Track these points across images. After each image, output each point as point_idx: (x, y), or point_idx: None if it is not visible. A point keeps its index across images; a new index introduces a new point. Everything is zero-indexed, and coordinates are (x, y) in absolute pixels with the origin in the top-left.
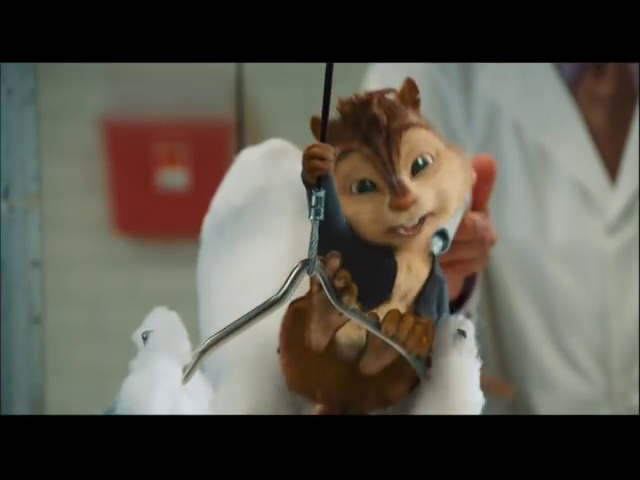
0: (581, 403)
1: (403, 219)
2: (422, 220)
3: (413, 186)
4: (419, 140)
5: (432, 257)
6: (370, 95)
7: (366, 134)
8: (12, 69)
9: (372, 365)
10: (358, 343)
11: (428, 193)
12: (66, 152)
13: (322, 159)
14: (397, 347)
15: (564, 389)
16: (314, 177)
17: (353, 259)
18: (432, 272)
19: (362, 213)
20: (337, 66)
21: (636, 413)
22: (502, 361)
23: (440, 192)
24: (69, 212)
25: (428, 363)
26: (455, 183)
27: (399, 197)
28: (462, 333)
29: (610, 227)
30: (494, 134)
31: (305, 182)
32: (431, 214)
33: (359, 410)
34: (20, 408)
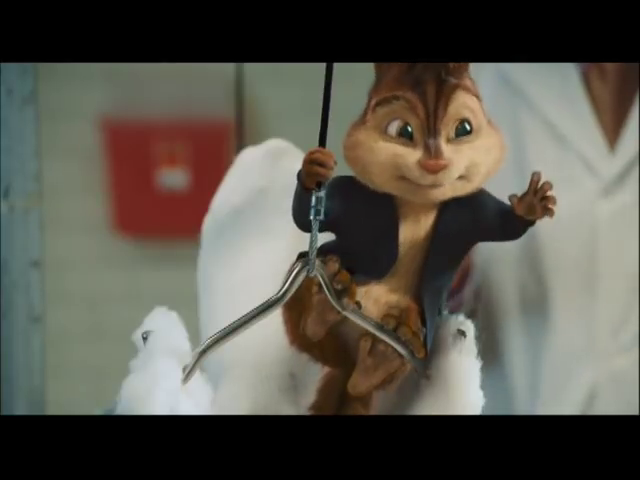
0: (564, 362)
1: (427, 180)
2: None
3: (448, 150)
4: (468, 105)
5: (435, 210)
6: None
7: (419, 78)
8: (12, 69)
9: (362, 385)
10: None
11: (460, 162)
12: (66, 152)
13: (322, 165)
14: (398, 346)
15: (549, 349)
16: (313, 182)
17: (353, 225)
18: (435, 227)
19: (386, 153)
20: (337, 66)
21: (620, 377)
22: (487, 318)
23: (472, 164)
24: (69, 212)
25: (427, 363)
26: (488, 158)
27: (431, 158)
28: (462, 333)
29: (605, 191)
30: (499, 99)
31: (300, 181)
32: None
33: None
34: (20, 408)
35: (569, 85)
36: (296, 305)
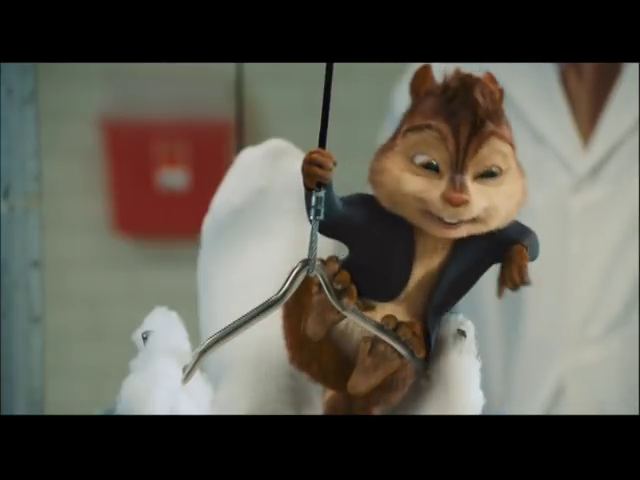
0: (537, 356)
1: (447, 213)
2: (461, 221)
3: (472, 188)
4: (500, 152)
5: (452, 242)
6: (478, 79)
7: (455, 113)
8: (12, 69)
9: (361, 385)
10: (351, 335)
11: (481, 202)
12: (66, 152)
13: (321, 167)
14: (398, 346)
15: (519, 342)
16: (313, 182)
17: (370, 243)
18: (450, 258)
19: (412, 186)
20: (337, 66)
21: (590, 372)
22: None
23: (492, 207)
24: (69, 212)
25: (427, 363)
26: (508, 204)
27: (455, 191)
28: (462, 333)
29: (578, 186)
30: None
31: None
32: (472, 220)
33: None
34: (20, 408)
35: (547, 84)
36: (296, 311)
